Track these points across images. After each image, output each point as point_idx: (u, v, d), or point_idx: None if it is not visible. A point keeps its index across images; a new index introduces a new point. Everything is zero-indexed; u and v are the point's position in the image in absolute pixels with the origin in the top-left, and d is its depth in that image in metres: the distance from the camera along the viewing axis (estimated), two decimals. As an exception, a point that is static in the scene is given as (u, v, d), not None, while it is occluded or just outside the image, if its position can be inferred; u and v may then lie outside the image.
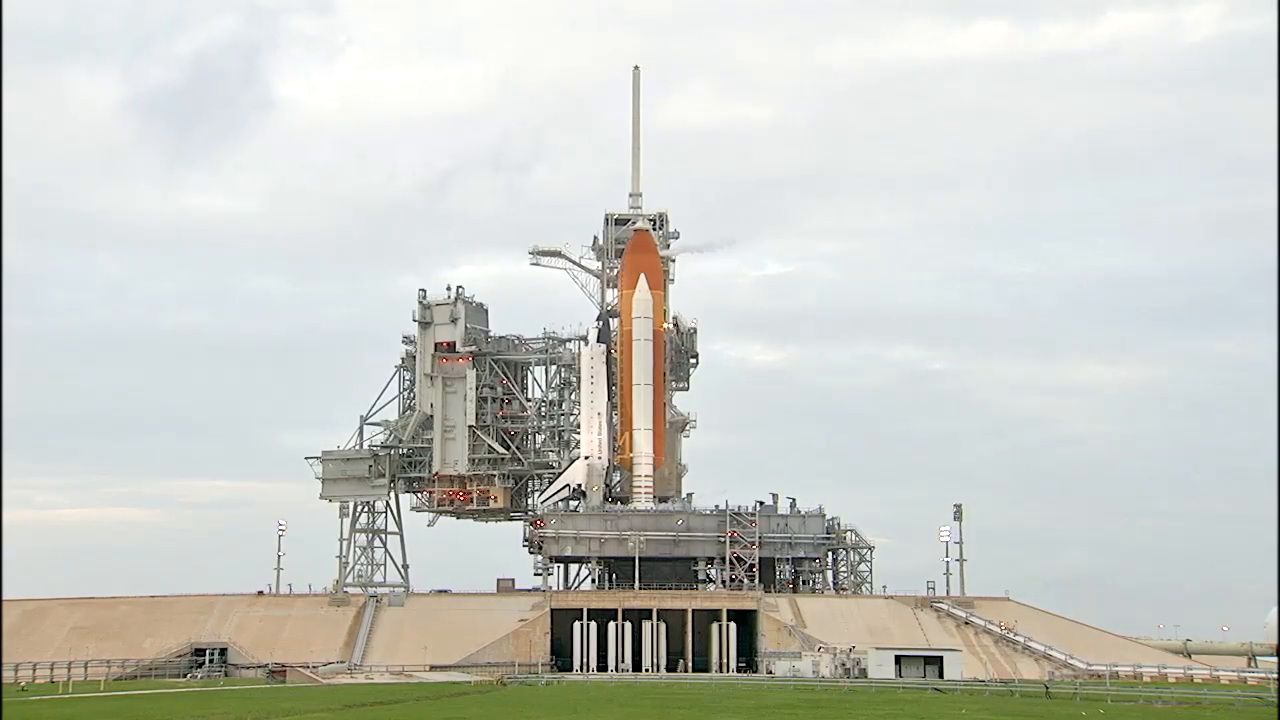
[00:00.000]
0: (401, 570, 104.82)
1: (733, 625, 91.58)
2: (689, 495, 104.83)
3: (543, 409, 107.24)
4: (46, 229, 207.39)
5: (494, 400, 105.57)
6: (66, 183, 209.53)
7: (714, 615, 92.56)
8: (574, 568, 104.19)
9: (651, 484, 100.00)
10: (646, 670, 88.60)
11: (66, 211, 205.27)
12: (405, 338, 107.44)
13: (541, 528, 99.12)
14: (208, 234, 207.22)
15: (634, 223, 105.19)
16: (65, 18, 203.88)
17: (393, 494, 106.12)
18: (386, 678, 79.47)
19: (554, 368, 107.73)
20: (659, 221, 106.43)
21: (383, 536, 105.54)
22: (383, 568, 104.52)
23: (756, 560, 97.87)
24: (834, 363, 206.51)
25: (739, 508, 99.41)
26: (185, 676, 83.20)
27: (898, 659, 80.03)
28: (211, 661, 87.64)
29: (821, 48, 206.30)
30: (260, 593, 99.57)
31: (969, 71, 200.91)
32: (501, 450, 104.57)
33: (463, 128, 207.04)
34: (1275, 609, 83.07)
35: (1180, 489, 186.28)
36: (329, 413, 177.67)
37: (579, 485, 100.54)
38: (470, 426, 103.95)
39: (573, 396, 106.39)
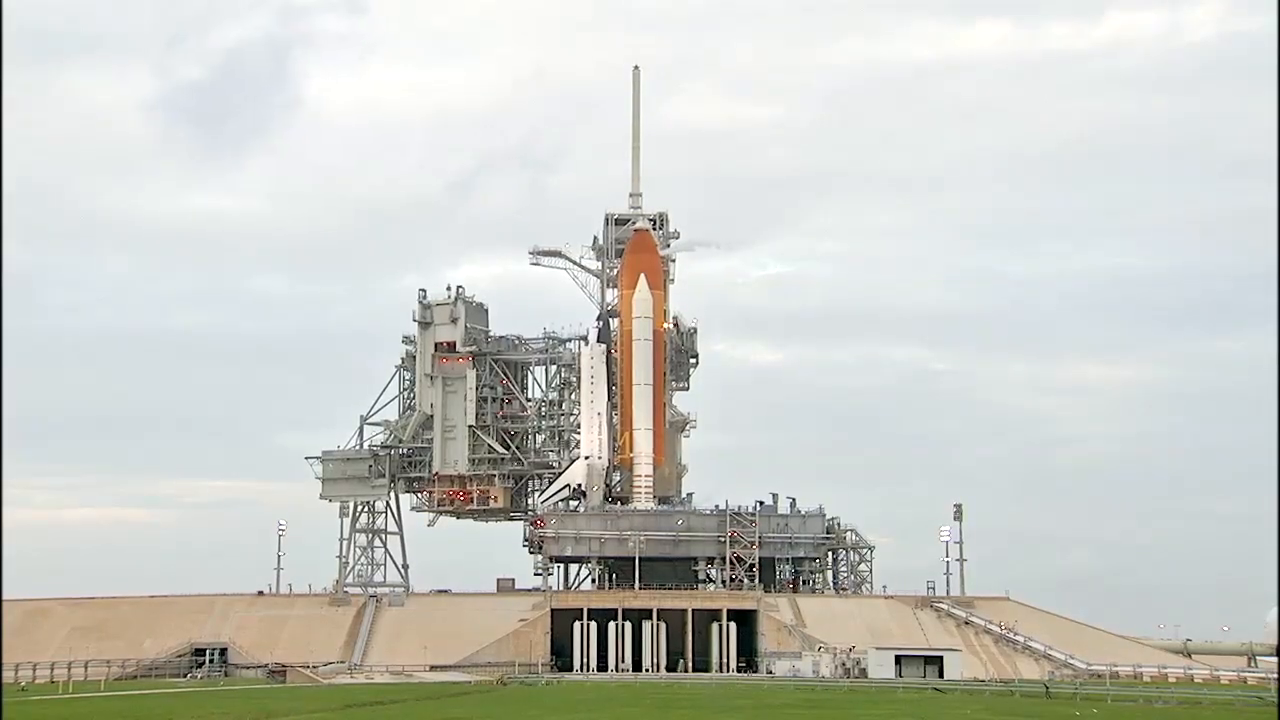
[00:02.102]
0: (401, 570, 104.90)
1: (733, 625, 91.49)
2: (689, 495, 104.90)
3: (543, 409, 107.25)
4: (54, 228, 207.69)
5: (494, 400, 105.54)
6: (78, 182, 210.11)
7: (714, 615, 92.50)
8: (574, 568, 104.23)
9: (651, 484, 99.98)
10: (646, 670, 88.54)
11: (82, 211, 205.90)
12: (405, 338, 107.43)
13: (541, 528, 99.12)
14: (213, 234, 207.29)
15: (634, 223, 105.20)
16: (68, 17, 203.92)
17: (393, 494, 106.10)
18: (386, 678, 79.48)
19: (554, 368, 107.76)
20: (659, 221, 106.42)
21: (383, 536, 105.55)
22: (383, 568, 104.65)
23: (756, 560, 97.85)
24: (834, 363, 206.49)
25: (739, 508, 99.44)
26: (185, 676, 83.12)
27: (898, 659, 79.95)
28: (212, 661, 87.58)
29: (823, 47, 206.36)
30: (260, 593, 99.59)
31: (970, 71, 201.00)
32: (501, 450, 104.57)
33: (465, 129, 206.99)
34: (1275, 609, 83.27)
35: (1180, 489, 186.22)
36: (329, 413, 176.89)
37: (579, 485, 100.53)
38: (470, 426, 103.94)
39: (573, 396, 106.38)
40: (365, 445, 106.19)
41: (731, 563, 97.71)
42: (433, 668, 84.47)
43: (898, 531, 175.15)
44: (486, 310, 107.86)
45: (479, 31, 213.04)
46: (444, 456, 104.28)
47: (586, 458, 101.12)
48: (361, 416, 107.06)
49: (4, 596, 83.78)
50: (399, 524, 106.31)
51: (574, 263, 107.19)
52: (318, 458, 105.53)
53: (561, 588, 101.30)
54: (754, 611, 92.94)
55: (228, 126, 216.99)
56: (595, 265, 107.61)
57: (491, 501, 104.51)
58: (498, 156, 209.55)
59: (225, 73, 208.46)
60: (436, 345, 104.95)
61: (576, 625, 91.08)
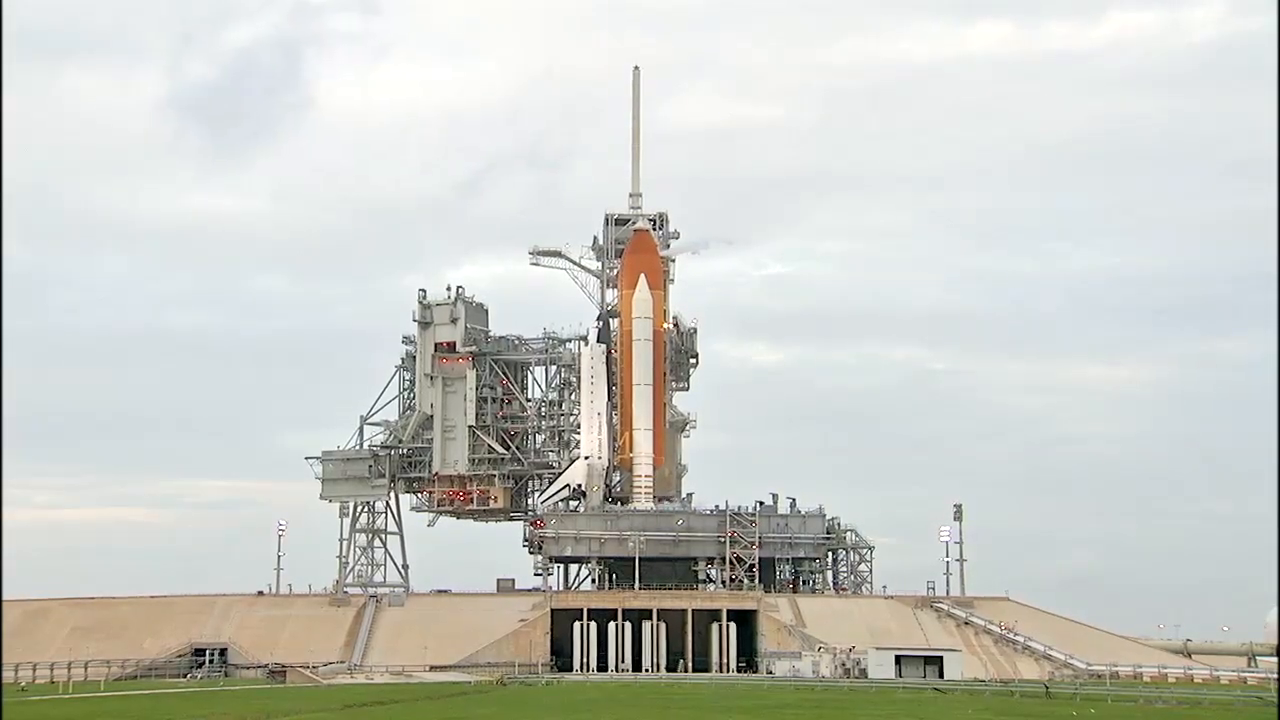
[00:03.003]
0: (401, 570, 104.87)
1: (733, 625, 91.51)
2: (689, 495, 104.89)
3: (543, 409, 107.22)
4: (54, 228, 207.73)
5: (494, 400, 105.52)
6: (78, 182, 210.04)
7: (714, 615, 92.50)
8: (574, 568, 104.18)
9: (651, 484, 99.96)
10: (646, 670, 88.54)
11: (82, 211, 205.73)
12: (405, 338, 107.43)
13: (541, 528, 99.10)
14: (213, 234, 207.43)
15: (634, 223, 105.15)
16: (73, 15, 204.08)
17: (393, 494, 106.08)
18: (386, 678, 79.49)
19: (554, 368, 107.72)
20: (659, 221, 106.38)
21: (383, 536, 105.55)
22: (383, 568, 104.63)
23: (756, 560, 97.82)
24: (835, 363, 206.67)
25: (739, 508, 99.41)
26: (185, 677, 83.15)
27: (898, 659, 79.84)
28: (211, 662, 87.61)
29: (823, 47, 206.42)
30: (260, 593, 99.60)
31: (970, 71, 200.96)
32: (501, 450, 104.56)
33: (466, 129, 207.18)
34: (1275, 609, 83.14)
35: (1180, 489, 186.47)
36: (329, 413, 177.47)
37: (579, 485, 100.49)
38: (470, 426, 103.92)
39: (573, 396, 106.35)
40: (365, 445, 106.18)
41: (731, 563, 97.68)
42: (433, 668, 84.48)
43: (898, 531, 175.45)
44: (486, 310, 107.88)
45: (484, 33, 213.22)
46: (444, 456, 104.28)
47: (586, 458, 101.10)
48: (361, 416, 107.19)
49: (4, 596, 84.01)
50: (399, 524, 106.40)
51: (574, 263, 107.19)
52: (318, 458, 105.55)
53: (561, 588, 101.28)
54: (754, 611, 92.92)
55: (237, 126, 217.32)
56: (595, 265, 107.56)
57: (491, 501, 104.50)
58: (501, 157, 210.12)
59: (236, 72, 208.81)
60: (436, 345, 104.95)
61: (576, 625, 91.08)
